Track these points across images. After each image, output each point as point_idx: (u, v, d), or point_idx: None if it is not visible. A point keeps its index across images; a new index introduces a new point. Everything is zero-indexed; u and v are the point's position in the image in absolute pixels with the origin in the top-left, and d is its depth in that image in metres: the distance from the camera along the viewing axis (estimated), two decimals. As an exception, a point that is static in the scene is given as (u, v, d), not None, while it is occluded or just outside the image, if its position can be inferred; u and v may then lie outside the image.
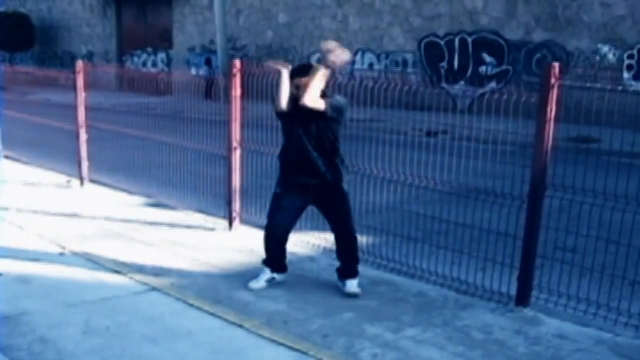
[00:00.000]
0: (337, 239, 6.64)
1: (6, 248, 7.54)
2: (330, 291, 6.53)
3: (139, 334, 5.52)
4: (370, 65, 24.47)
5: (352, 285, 6.53)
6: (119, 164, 10.97)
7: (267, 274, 6.63)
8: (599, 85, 10.35)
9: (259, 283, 6.59)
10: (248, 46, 28.56)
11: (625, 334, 5.59)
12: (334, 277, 6.81)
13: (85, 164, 11.06)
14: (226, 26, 25.40)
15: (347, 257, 6.62)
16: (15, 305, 6.01)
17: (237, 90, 8.15)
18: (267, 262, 6.67)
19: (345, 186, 6.48)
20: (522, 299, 6.12)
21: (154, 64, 33.40)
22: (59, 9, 38.51)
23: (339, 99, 6.37)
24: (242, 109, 8.20)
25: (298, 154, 6.29)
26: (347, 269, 6.60)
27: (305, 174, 6.32)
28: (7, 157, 12.57)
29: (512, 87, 18.19)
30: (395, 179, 7.04)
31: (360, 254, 7.23)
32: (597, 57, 19.19)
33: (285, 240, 6.64)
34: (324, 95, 6.21)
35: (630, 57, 18.59)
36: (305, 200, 6.50)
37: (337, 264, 6.91)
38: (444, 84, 22.13)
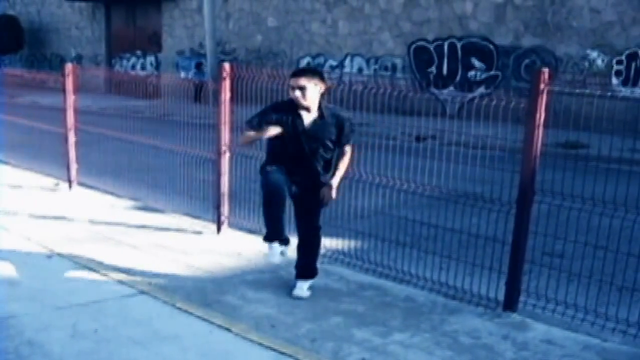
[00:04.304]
0: (302, 235, 6.60)
1: (-7, 251, 7.53)
2: (318, 295, 6.52)
3: (126, 338, 5.50)
4: (360, 69, 24.50)
5: (301, 288, 6.54)
6: (107, 167, 10.94)
7: (276, 248, 6.45)
8: (588, 91, 10.39)
9: (276, 257, 6.47)
10: (237, 50, 28.57)
11: (612, 340, 5.61)
12: (321, 281, 6.81)
13: (73, 167, 11.03)
14: (216, 30, 25.40)
15: (308, 255, 6.62)
16: (3, 308, 5.98)
17: (226, 94, 8.14)
18: (270, 237, 6.41)
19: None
20: (510, 304, 6.13)
21: (143, 67, 33.37)
22: (48, 12, 38.45)
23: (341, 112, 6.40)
24: (232, 112, 8.20)
25: (294, 159, 6.25)
26: (306, 267, 6.61)
27: (296, 183, 6.31)
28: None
29: (501, 92, 18.25)
30: (383, 184, 7.05)
31: (348, 259, 7.26)
32: (586, 63, 19.27)
33: (283, 208, 6.26)
34: (320, 105, 6.25)
35: (619, 63, 18.67)
36: (291, 186, 6.33)
37: (325, 267, 6.93)
38: (433, 89, 22.17)
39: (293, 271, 6.98)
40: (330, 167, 6.42)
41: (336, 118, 6.28)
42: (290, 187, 6.30)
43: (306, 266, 6.63)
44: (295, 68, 6.72)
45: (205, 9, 24.76)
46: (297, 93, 6.10)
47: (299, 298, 6.46)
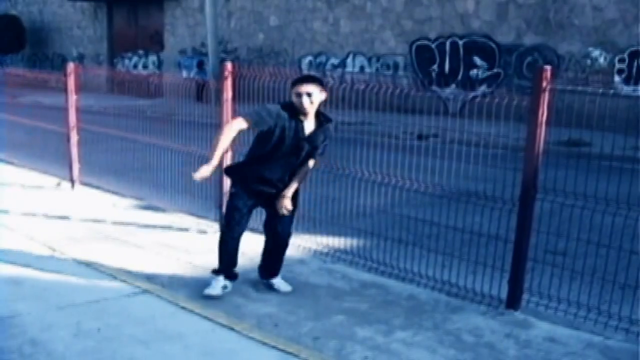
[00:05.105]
0: (273, 237, 6.61)
1: (-3, 250, 7.54)
2: (320, 294, 6.53)
3: (130, 336, 5.51)
4: (362, 68, 24.50)
5: (283, 283, 6.66)
6: (110, 166, 10.95)
7: (220, 281, 6.48)
8: (590, 89, 10.39)
9: (217, 290, 6.42)
10: (239, 49, 28.57)
11: (615, 337, 5.61)
12: (324, 279, 6.83)
13: (76, 167, 11.04)
14: (217, 29, 25.39)
15: (279, 257, 6.68)
16: (6, 307, 5.99)
17: (228, 93, 8.14)
18: (220, 270, 6.53)
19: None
20: (513, 302, 6.13)
21: (145, 67, 33.39)
22: (50, 11, 38.46)
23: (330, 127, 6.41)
24: (233, 111, 8.19)
25: (285, 163, 6.28)
26: (274, 268, 6.70)
27: (269, 186, 6.33)
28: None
29: (504, 90, 18.24)
30: (386, 182, 7.05)
31: (350, 257, 7.28)
32: (588, 61, 19.25)
33: (239, 243, 6.53)
34: (317, 115, 6.25)
35: (621, 61, 18.65)
36: (257, 201, 6.44)
37: (328, 266, 6.93)
38: (435, 88, 22.17)
39: (295, 269, 7.01)
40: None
41: (326, 128, 6.31)
42: (259, 198, 6.39)
43: (278, 266, 6.72)
44: (298, 75, 6.62)
45: (207, 8, 24.75)
46: (305, 99, 6.08)
47: (287, 293, 6.54)
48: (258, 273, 6.81)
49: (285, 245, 6.66)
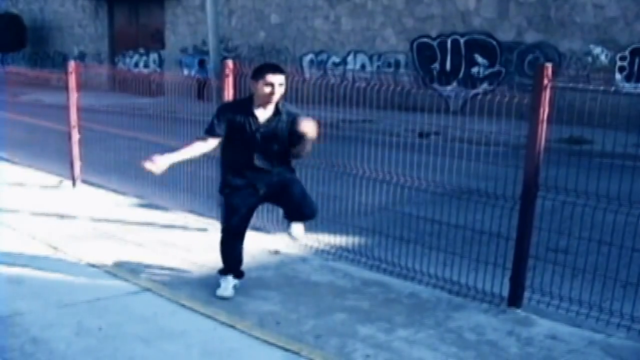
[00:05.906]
0: (301, 206, 6.39)
1: (-2, 249, 7.54)
2: (322, 292, 6.53)
3: (131, 335, 5.51)
4: (363, 66, 24.47)
5: (299, 228, 6.53)
6: (111, 164, 10.94)
7: (230, 281, 6.46)
8: (591, 86, 10.37)
9: (228, 291, 6.39)
10: (240, 47, 28.55)
11: (617, 335, 5.61)
12: (326, 277, 6.82)
13: (77, 165, 11.03)
14: (218, 27, 25.34)
15: (305, 218, 6.51)
16: (8, 305, 5.99)
17: (229, 91, 8.14)
18: (227, 270, 6.49)
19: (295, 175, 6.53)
20: (515, 300, 6.13)
21: (146, 65, 33.35)
22: (51, 10, 38.44)
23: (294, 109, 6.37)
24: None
25: (250, 159, 6.21)
26: (299, 219, 6.52)
27: (255, 172, 6.23)
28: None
29: (505, 88, 18.23)
30: (387, 180, 7.05)
31: (352, 255, 7.28)
32: (590, 59, 19.24)
33: (243, 241, 6.48)
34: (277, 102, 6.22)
35: (623, 58, 18.63)
36: (257, 198, 6.34)
37: (330, 264, 6.93)
38: (436, 85, 22.15)
39: (297, 267, 7.02)
40: (288, 162, 6.39)
41: (290, 115, 6.24)
42: (257, 195, 6.30)
43: (303, 219, 6.54)
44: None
45: (208, 6, 24.71)
46: (277, 89, 6.03)
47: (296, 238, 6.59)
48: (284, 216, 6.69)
49: (316, 212, 6.49)
